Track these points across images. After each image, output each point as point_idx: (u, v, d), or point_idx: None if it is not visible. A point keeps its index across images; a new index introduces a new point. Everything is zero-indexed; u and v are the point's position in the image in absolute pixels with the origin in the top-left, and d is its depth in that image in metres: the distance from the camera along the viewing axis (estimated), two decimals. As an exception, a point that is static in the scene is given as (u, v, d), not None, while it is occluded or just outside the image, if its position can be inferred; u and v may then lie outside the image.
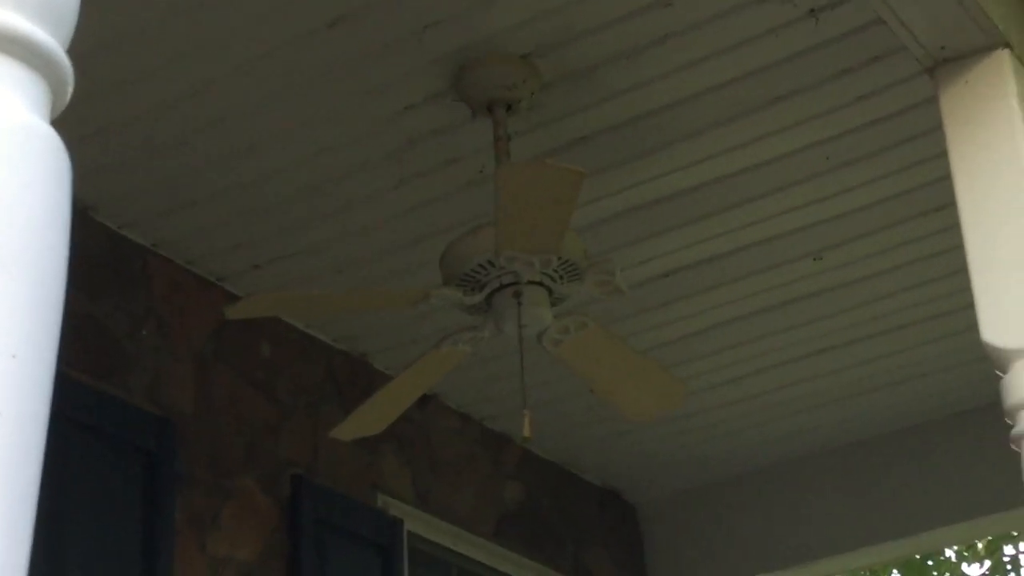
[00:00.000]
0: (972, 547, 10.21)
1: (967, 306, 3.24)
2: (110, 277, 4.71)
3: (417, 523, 5.65)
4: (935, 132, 3.55)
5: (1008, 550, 10.32)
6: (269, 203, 4.71)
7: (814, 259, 5.14)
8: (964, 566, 10.28)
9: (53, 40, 1.23)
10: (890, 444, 6.25)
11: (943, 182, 3.55)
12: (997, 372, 3.14)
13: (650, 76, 4.27)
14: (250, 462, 5.01)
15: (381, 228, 4.85)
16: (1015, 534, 9.84)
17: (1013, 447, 3.06)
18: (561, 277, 4.02)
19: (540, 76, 4.18)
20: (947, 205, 3.63)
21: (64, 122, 1.27)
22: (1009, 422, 3.08)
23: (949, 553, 10.11)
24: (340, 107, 4.30)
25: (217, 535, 4.82)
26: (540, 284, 4.01)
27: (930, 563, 10.04)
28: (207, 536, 4.79)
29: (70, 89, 1.25)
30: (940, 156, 3.46)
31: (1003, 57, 3.37)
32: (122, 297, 4.74)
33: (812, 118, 4.48)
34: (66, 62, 1.24)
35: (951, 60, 3.39)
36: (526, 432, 3.99)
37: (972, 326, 3.17)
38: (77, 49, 1.28)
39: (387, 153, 4.51)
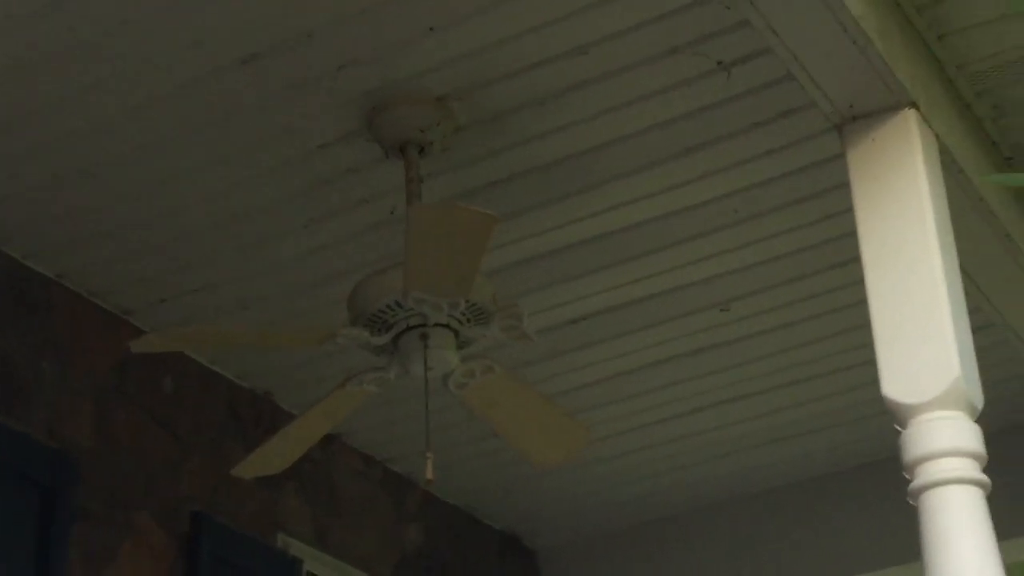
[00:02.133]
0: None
1: (870, 360, 3.28)
2: (11, 307, 4.65)
3: (316, 564, 5.58)
4: (842, 188, 3.58)
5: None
6: (177, 237, 4.67)
7: (721, 310, 5.14)
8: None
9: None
10: (794, 496, 6.26)
11: (849, 237, 3.58)
12: (896, 427, 3.19)
13: (564, 123, 4.27)
14: (149, 498, 4.94)
15: (290, 266, 4.83)
16: (913, 588, 9.83)
17: (910, 501, 3.11)
18: (469, 321, 4.02)
19: (454, 119, 4.19)
20: (852, 260, 3.63)
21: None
22: (907, 476, 3.13)
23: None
24: (251, 144, 4.28)
25: (114, 572, 4.74)
26: (447, 327, 4.01)
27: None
28: (103, 573, 4.71)
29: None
30: (847, 212, 3.51)
31: (910, 116, 3.45)
32: (24, 328, 4.67)
33: (722, 170, 4.49)
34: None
35: (859, 118, 3.47)
36: (428, 475, 3.98)
37: (875, 380, 3.21)
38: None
39: (298, 191, 4.49)
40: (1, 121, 4.02)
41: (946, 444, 3.10)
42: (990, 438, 3.21)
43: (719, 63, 4.02)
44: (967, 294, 3.42)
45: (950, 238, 3.39)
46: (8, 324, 4.62)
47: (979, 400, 3.25)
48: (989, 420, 3.32)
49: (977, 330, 3.46)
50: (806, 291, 5.07)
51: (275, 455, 4.45)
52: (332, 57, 3.95)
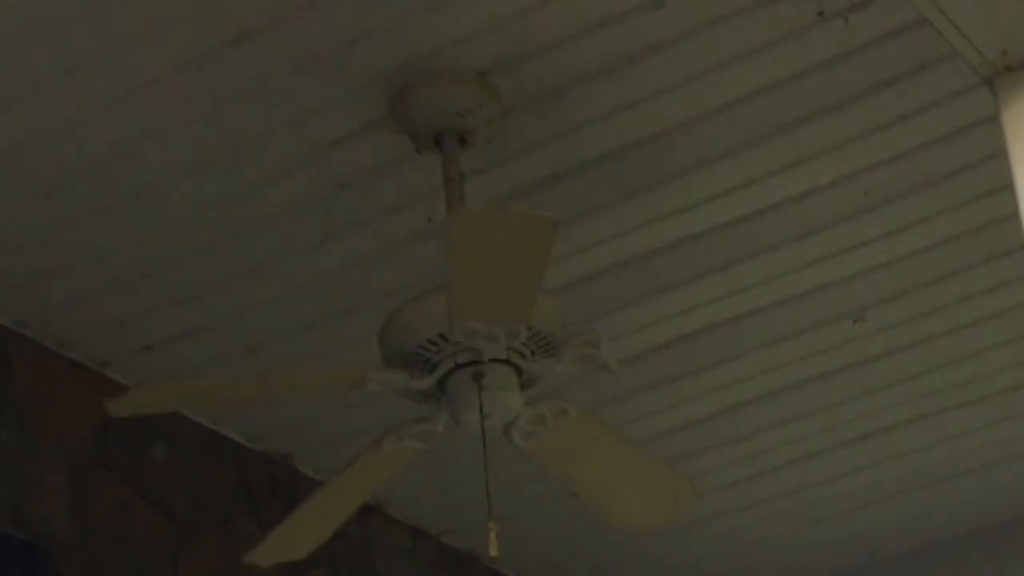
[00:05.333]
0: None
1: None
2: (-40, 365, 4.61)
3: (357, 670, 5.59)
4: (997, 158, 3.53)
5: None
6: (161, 267, 4.64)
7: (853, 321, 5.11)
8: None
9: None
10: (950, 555, 6.25)
11: (1009, 220, 3.52)
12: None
13: (639, 96, 4.22)
14: (143, 596, 4.92)
15: (303, 295, 4.80)
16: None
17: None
18: (533, 353, 4.00)
19: (501, 99, 4.18)
20: (1018, 248, 3.57)
21: None
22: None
23: None
24: (247, 143, 4.24)
25: None
26: (507, 362, 3.99)
27: None
28: None
29: None
30: (1004, 189, 3.42)
31: (1080, 64, 3.36)
32: (-23, 390, 4.64)
33: (842, 144, 4.43)
34: None
35: (1015, 68, 3.34)
36: (493, 551, 3.93)
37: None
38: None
39: (309, 200, 4.46)
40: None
41: None
42: None
43: (820, 14, 3.97)
44: None
45: None
46: (-43, 386, 4.58)
47: None
48: None
49: None
50: (959, 291, 5.01)
51: (299, 535, 4.42)
52: (342, 29, 3.90)
